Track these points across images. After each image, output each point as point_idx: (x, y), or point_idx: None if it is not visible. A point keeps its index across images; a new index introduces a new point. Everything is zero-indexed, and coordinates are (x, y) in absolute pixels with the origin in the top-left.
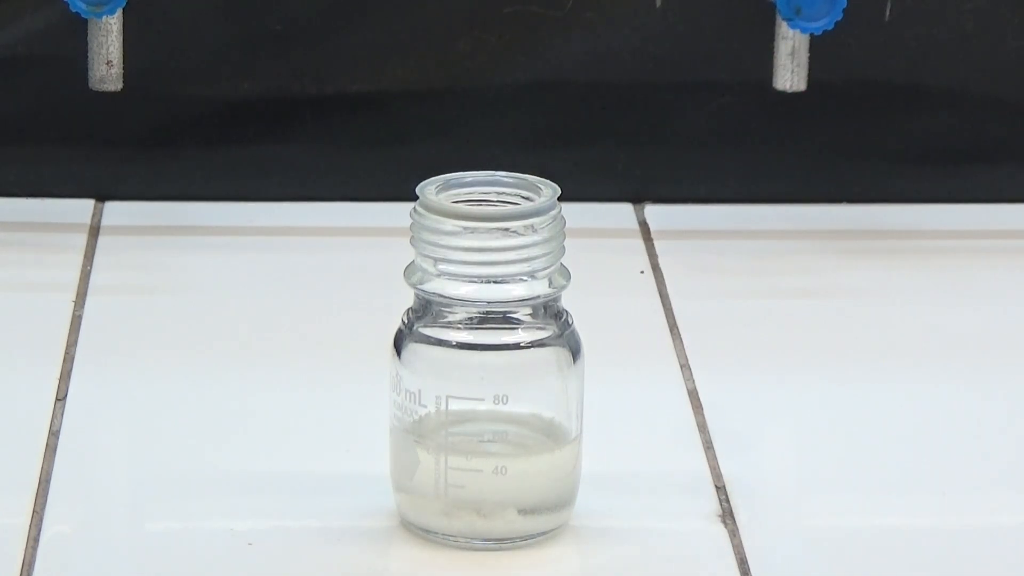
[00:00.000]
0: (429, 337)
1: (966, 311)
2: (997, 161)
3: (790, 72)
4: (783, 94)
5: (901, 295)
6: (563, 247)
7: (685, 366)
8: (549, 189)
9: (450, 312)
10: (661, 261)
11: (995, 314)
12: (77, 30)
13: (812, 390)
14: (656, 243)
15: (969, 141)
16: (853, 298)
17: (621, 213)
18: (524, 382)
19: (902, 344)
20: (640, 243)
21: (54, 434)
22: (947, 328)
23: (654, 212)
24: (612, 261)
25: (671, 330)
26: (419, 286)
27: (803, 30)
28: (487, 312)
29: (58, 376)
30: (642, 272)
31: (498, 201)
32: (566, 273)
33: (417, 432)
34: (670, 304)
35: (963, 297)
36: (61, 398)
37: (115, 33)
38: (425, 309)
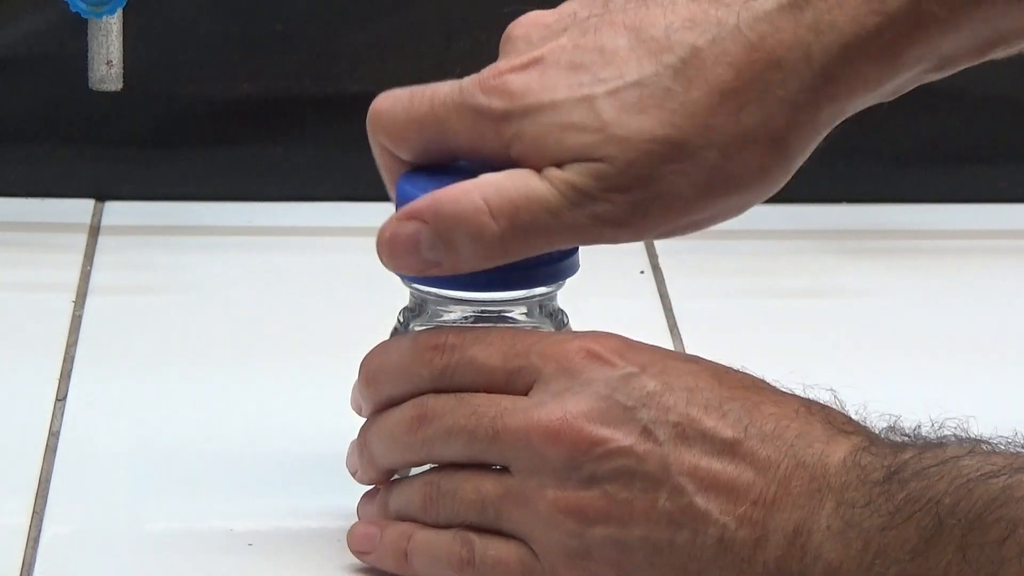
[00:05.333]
0: None
1: (966, 311)
2: (997, 161)
3: None
4: None
5: (901, 295)
6: None
7: None
8: None
9: (445, 311)
10: (661, 261)
11: (995, 314)
12: (77, 30)
13: (811, 390)
14: (656, 243)
15: (969, 141)
16: (853, 298)
17: None
18: None
19: (902, 344)
20: (640, 243)
21: (54, 434)
22: (947, 328)
23: None
24: (612, 261)
25: (671, 330)
26: (415, 284)
27: None
28: (482, 311)
29: (58, 376)
30: (642, 272)
31: None
32: None
33: None
34: (670, 304)
35: (963, 297)
36: (61, 398)
37: (115, 33)
38: (421, 308)
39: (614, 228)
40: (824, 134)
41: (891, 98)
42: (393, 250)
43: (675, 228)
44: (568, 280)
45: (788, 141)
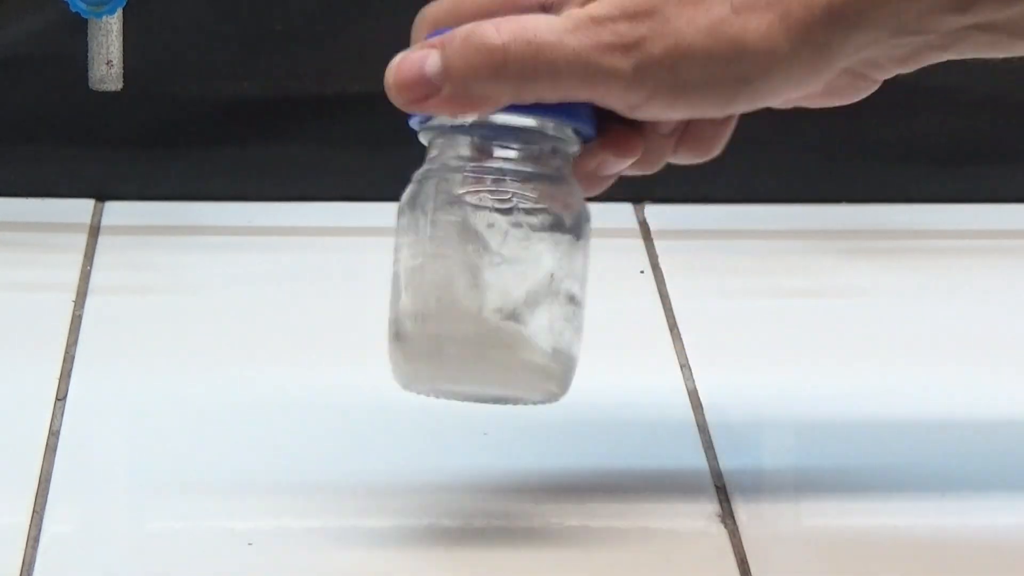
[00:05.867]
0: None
1: (966, 311)
2: (997, 161)
3: None
4: None
5: (901, 295)
6: None
7: (685, 366)
8: None
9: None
10: (661, 261)
11: (995, 314)
12: (77, 30)
13: (812, 390)
14: (656, 243)
15: (969, 141)
16: (853, 298)
17: (621, 213)
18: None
19: (902, 344)
20: (640, 243)
21: (54, 434)
22: (947, 328)
23: (654, 212)
24: (612, 261)
25: (671, 330)
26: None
27: None
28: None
29: (58, 376)
30: (642, 272)
31: None
32: None
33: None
34: (670, 304)
35: (963, 297)
36: (61, 398)
37: (115, 33)
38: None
39: (619, 57)
40: (841, 51)
41: (909, 65)
42: (399, 74)
43: (675, 87)
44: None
45: (797, 18)
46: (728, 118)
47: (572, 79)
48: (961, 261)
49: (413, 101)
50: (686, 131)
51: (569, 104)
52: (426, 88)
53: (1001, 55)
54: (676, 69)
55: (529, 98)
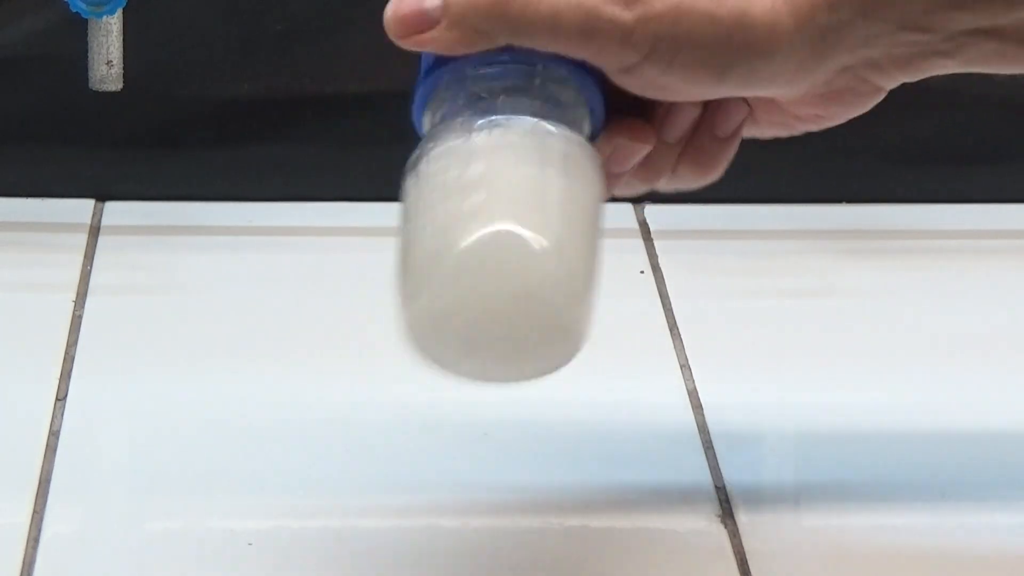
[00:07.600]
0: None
1: (966, 311)
2: (997, 161)
3: None
4: None
5: (901, 295)
6: None
7: (685, 366)
8: None
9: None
10: (661, 261)
11: (995, 314)
12: (77, 30)
13: (812, 390)
14: (656, 243)
15: (969, 141)
16: (853, 298)
17: (621, 213)
18: None
19: (902, 344)
20: (640, 243)
21: (54, 434)
22: (947, 328)
23: (654, 212)
24: (612, 261)
25: (671, 330)
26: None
27: None
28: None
29: (58, 376)
30: (642, 272)
31: None
32: None
33: None
34: (670, 304)
35: (963, 297)
36: (61, 398)
37: (115, 33)
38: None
39: (621, 8)
40: (842, 40)
41: (912, 71)
42: (399, 7)
43: (673, 45)
44: None
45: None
46: (732, 136)
47: (571, 25)
48: (961, 261)
49: (409, 34)
50: (689, 143)
51: (581, 79)
52: (423, 21)
53: (1008, 69)
54: (676, 25)
55: (526, 41)
